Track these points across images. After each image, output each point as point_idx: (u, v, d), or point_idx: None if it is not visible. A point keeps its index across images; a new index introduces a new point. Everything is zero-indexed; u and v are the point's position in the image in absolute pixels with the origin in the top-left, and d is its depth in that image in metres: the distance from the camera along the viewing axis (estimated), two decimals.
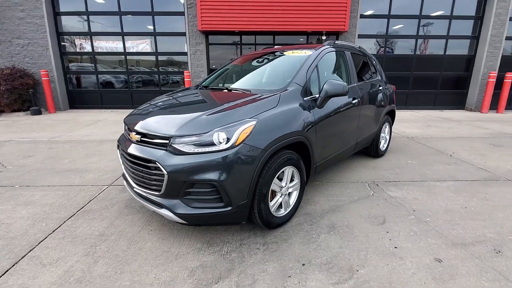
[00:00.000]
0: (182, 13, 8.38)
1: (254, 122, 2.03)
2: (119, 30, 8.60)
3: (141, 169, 2.10)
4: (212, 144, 1.91)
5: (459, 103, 9.64)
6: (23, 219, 2.45)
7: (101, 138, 5.32)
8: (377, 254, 2.01)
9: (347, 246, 2.09)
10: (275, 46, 4.25)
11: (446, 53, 9.12)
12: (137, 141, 2.16)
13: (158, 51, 8.81)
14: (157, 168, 1.96)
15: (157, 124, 2.15)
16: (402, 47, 9.12)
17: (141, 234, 2.26)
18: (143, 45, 8.75)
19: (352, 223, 2.42)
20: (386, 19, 8.75)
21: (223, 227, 2.36)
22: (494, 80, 8.68)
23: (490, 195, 2.96)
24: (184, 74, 8.18)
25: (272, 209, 2.23)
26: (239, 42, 8.76)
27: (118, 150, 2.55)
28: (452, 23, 8.86)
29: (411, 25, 8.85)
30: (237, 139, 1.92)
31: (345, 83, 2.53)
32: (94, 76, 8.94)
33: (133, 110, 2.71)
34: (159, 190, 2.02)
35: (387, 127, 4.28)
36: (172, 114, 2.34)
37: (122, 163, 2.43)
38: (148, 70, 9.07)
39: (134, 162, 2.15)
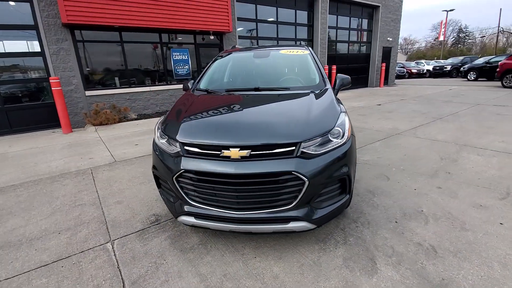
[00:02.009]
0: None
1: (345, 114, 2.18)
2: None
3: (261, 187, 1.76)
4: (330, 141, 1.93)
5: None
6: None
7: None
8: None
9: None
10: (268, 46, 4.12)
11: None
12: (242, 157, 1.76)
13: None
14: (293, 179, 1.74)
15: (273, 133, 1.85)
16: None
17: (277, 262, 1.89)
18: None
19: None
20: (255, 23, 10.04)
21: None
22: (327, 70, 12.07)
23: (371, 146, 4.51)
24: (50, 81, 5.94)
25: None
26: (120, 40, 7.34)
27: (176, 184, 1.90)
28: (297, 28, 11.41)
29: (273, 28, 10.63)
30: (348, 132, 2.04)
31: (348, 76, 3.06)
32: None
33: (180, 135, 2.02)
34: (290, 203, 1.80)
35: None
36: (273, 120, 2.00)
37: (208, 192, 1.87)
38: None
39: (248, 182, 1.75)
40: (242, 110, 2.22)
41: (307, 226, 1.85)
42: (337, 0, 12.29)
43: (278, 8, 10.52)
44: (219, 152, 1.80)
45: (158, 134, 2.22)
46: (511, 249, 1.93)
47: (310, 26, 11.82)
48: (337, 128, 1.97)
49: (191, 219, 1.96)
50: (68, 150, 4.97)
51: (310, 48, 3.36)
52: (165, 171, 2.00)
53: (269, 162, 1.75)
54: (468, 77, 17.21)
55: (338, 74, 2.99)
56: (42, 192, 3.22)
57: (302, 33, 11.68)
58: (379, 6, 13.93)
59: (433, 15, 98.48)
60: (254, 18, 9.94)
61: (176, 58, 8.26)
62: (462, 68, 19.45)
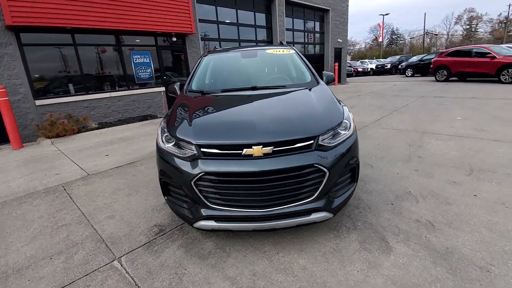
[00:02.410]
0: None
1: (345, 106, 2.33)
2: None
3: (285, 182, 1.79)
4: (339, 133, 2.04)
5: None
6: None
7: None
8: None
9: None
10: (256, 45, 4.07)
11: None
12: (265, 154, 1.78)
13: None
14: (315, 171, 1.81)
15: (292, 128, 1.90)
16: None
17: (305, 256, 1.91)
18: None
19: None
20: (216, 25, 9.96)
21: None
22: None
23: None
24: None
25: None
26: (73, 43, 6.64)
27: (194, 188, 1.83)
28: (257, 30, 11.62)
29: (234, 30, 10.67)
30: (353, 124, 2.18)
31: (332, 73, 3.26)
32: None
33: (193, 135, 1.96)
34: (311, 196, 1.86)
35: None
36: (288, 116, 2.06)
37: (230, 193, 1.85)
38: None
39: (272, 179, 1.76)
40: (251, 108, 2.23)
41: (327, 215, 1.93)
42: (292, 4, 12.83)
43: (238, 10, 10.60)
44: (241, 151, 1.79)
45: (164, 138, 2.11)
46: (490, 215, 2.26)
47: (269, 28, 12.14)
48: (345, 120, 2.10)
49: (211, 223, 1.90)
50: (26, 168, 4.37)
51: (294, 47, 3.49)
52: (178, 176, 1.92)
53: (291, 157, 1.80)
54: (406, 73, 19.33)
55: (323, 72, 3.16)
56: (12, 216, 2.80)
57: (262, 35, 11.95)
58: (329, 10, 14.91)
59: (370, 18, 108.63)
60: (215, 19, 9.87)
61: (137, 61, 7.79)
62: (400, 66, 21.86)
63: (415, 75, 18.80)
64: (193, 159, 1.87)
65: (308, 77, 2.91)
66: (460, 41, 54.51)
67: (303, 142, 1.84)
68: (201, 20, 9.24)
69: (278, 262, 1.92)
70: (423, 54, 24.91)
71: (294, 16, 13.33)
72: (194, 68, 3.21)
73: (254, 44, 11.63)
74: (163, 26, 7.69)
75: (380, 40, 39.34)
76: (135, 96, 7.87)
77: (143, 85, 8.09)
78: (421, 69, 18.13)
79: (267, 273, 1.82)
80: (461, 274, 1.69)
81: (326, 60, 15.92)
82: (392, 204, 2.57)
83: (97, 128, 6.73)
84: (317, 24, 15.07)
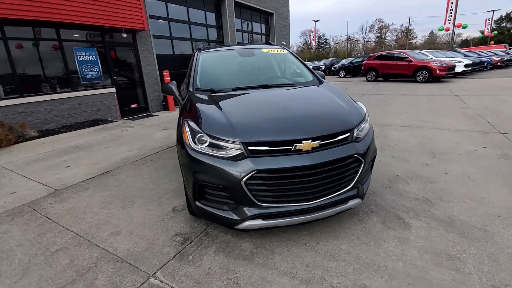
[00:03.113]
0: None
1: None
2: None
3: (331, 174, 1.89)
4: (361, 125, 2.25)
5: None
6: None
7: None
8: None
9: None
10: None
11: None
12: (313, 148, 1.85)
13: None
14: (354, 161, 1.96)
15: (333, 123, 2.03)
16: (186, 48, 10.39)
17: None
18: None
19: None
20: (167, 22, 9.43)
21: None
22: None
23: None
24: None
25: None
26: (2, 37, 5.44)
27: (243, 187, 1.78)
28: (208, 30, 11.41)
29: (185, 28, 10.26)
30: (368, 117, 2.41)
31: (323, 73, 3.48)
32: None
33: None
34: (350, 184, 2.01)
35: None
36: (325, 110, 2.21)
37: (281, 189, 1.86)
38: None
39: (321, 171, 1.84)
40: (283, 105, 2.27)
41: (359, 201, 2.12)
42: (240, 5, 12.99)
43: (189, 8, 10.23)
44: (291, 147, 1.83)
45: (196, 140, 1.99)
46: (465, 188, 2.78)
47: (220, 28, 12.05)
48: (366, 113, 2.32)
49: (258, 222, 1.89)
50: None
51: (285, 47, 3.62)
52: (222, 177, 1.84)
53: (335, 149, 1.92)
54: (340, 74, 21.51)
55: (316, 71, 3.37)
56: None
57: (213, 35, 11.78)
58: (273, 13, 15.56)
59: (300, 23, 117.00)
60: (166, 16, 9.33)
61: (81, 58, 6.83)
62: (333, 68, 24.21)
63: (347, 76, 21.07)
64: (239, 159, 1.82)
65: (310, 75, 3.08)
66: (374, 47, 63.06)
67: (343, 135, 1.98)
68: (152, 17, 8.62)
69: (323, 250, 2.02)
70: (348, 58, 28.04)
71: (242, 17, 13.51)
72: (193, 66, 3.04)
73: (216, 43, 11.41)
74: (111, 21, 6.93)
75: (313, 44, 42.78)
76: (80, 98, 6.91)
77: (90, 86, 7.15)
78: (352, 71, 20.43)
79: (318, 262, 1.91)
80: (470, 236, 2.07)
81: None
82: (389, 187, 2.92)
83: (39, 137, 5.70)
84: (263, 26, 15.57)
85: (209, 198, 2.02)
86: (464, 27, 29.98)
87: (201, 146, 1.96)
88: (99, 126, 6.81)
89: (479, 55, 19.46)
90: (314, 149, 1.87)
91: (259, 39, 15.39)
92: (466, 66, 14.28)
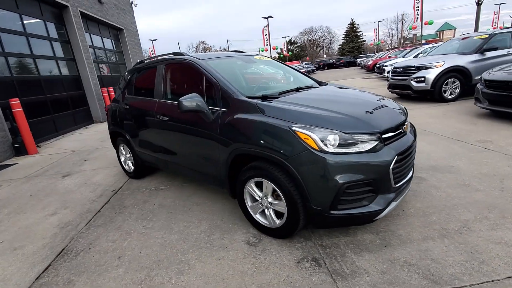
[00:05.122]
0: None
1: None
2: None
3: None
4: None
5: (88, 118, 10.41)
6: None
7: None
8: None
9: None
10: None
11: (63, 74, 9.10)
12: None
13: None
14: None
15: (403, 114, 2.43)
16: (28, 69, 7.50)
17: None
18: None
19: None
20: None
21: None
22: (107, 94, 10.65)
23: None
24: None
25: None
26: None
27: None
28: (53, 44, 8.82)
29: (23, 42, 7.45)
30: None
31: None
32: None
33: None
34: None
35: None
36: (382, 102, 2.51)
37: (404, 165, 2.13)
38: None
39: (413, 148, 2.30)
40: (355, 97, 2.61)
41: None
42: (86, 17, 10.83)
43: (23, 16, 7.49)
44: (401, 130, 2.19)
45: (327, 142, 1.88)
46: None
47: (67, 42, 9.56)
48: None
49: (393, 205, 2.08)
50: None
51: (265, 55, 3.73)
52: (370, 171, 1.91)
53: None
54: None
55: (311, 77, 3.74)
56: None
57: (60, 51, 9.20)
58: (123, 29, 14.02)
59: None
60: None
61: None
62: None
63: None
64: (377, 149, 1.95)
65: (308, 78, 3.38)
66: None
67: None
68: None
69: (383, 236, 2.48)
70: None
71: (91, 31, 11.33)
72: (208, 73, 2.54)
73: (66, 60, 8.69)
74: None
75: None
76: None
77: None
78: None
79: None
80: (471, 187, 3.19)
81: None
82: None
83: None
84: (114, 42, 13.70)
85: (347, 199, 1.96)
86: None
87: (333, 148, 1.89)
88: None
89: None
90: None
91: (113, 57, 13.45)
92: None
